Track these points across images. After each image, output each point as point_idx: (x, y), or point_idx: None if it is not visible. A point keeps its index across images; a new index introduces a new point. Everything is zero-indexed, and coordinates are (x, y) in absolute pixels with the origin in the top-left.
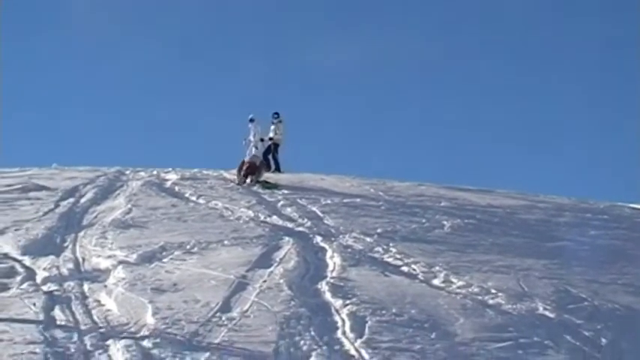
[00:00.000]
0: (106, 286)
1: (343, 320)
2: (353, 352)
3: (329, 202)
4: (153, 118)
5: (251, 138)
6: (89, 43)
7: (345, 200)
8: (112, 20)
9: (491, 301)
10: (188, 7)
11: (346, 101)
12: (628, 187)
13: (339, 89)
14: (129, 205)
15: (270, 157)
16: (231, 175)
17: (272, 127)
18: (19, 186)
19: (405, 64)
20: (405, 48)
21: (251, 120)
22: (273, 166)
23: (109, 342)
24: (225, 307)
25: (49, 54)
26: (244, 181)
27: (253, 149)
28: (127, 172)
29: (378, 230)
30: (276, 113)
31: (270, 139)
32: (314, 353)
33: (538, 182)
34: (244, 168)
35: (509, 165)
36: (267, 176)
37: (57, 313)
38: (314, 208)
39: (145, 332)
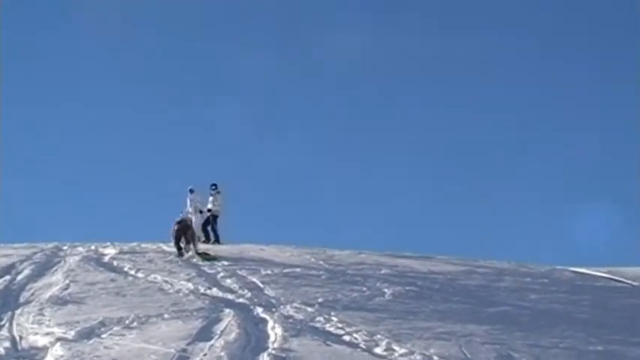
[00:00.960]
0: None
1: None
2: None
3: (269, 272)
4: (91, 190)
5: (189, 209)
6: None
7: (285, 270)
8: None
9: None
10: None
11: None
12: (568, 250)
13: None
14: (66, 281)
15: (209, 228)
16: (170, 247)
17: (210, 198)
18: None
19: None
20: None
21: (190, 191)
22: (212, 238)
23: None
24: None
25: None
26: (180, 249)
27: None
28: (65, 247)
29: (319, 300)
30: (214, 185)
31: (209, 210)
32: None
33: (478, 246)
34: (175, 232)
35: (448, 229)
36: (207, 248)
37: None
38: (254, 279)
39: None
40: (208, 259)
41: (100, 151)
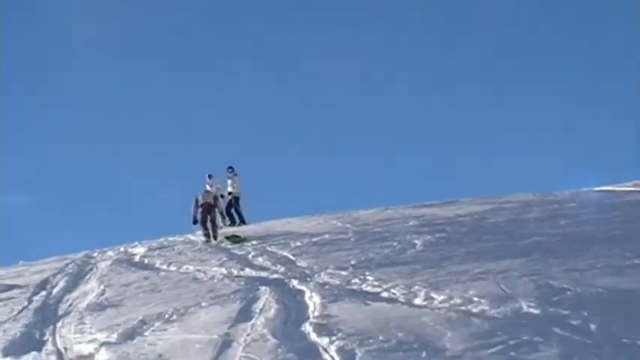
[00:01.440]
0: None
1: (332, 357)
2: None
3: (298, 244)
4: (116, 191)
5: (209, 189)
6: None
7: (314, 239)
8: None
9: (475, 310)
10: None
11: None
12: (592, 171)
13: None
14: (102, 287)
15: (232, 211)
16: (197, 236)
17: (229, 181)
18: None
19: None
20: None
21: (209, 176)
22: (237, 220)
23: None
24: None
25: None
26: (208, 232)
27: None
28: (95, 254)
29: (352, 262)
30: (231, 167)
31: (230, 193)
32: None
33: (502, 182)
34: (201, 210)
35: (471, 170)
36: (234, 230)
37: None
38: (285, 253)
39: None
40: (238, 242)
41: (111, 158)
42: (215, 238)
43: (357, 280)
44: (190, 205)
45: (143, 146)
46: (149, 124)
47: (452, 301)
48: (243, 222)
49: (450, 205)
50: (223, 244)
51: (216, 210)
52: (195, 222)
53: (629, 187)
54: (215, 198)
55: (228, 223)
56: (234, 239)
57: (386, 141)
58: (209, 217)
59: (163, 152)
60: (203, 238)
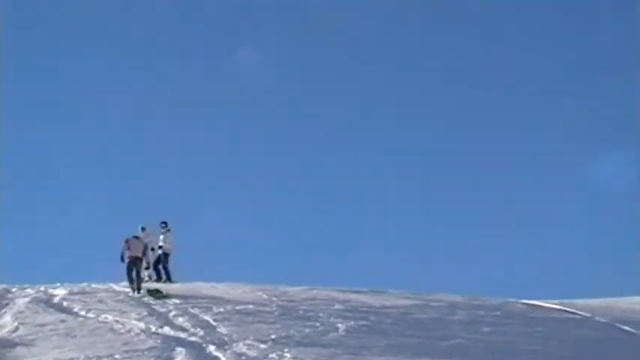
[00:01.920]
0: None
1: None
2: None
3: (221, 309)
4: (42, 229)
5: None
6: None
7: (237, 307)
8: None
9: None
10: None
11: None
12: (520, 283)
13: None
14: (15, 323)
15: (160, 266)
16: (120, 287)
17: (161, 236)
18: None
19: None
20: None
21: (142, 229)
22: (164, 276)
23: None
24: None
25: None
26: (132, 282)
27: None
28: (14, 289)
29: (272, 336)
30: (164, 222)
31: (160, 247)
32: None
33: (431, 280)
34: (128, 261)
35: (401, 263)
36: (158, 286)
37: None
38: (206, 317)
39: None
40: (160, 298)
41: (47, 189)
42: (138, 290)
43: (274, 356)
44: (121, 245)
45: (83, 182)
46: (86, 161)
47: None
48: (169, 279)
49: (377, 295)
50: (145, 299)
51: (143, 262)
52: (122, 260)
53: (555, 304)
54: (145, 249)
55: (154, 277)
56: (156, 294)
57: (322, 217)
58: (135, 269)
59: (102, 190)
60: (127, 289)
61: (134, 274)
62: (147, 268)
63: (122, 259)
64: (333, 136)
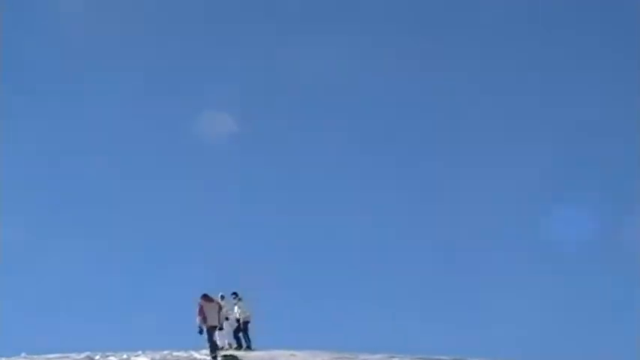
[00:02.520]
0: None
1: None
2: None
3: None
4: (121, 294)
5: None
6: None
7: None
8: None
9: None
10: None
11: None
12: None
13: None
14: None
15: (240, 335)
16: (201, 355)
17: (235, 307)
18: None
19: None
20: None
21: (222, 297)
22: (244, 344)
23: None
24: None
25: None
26: (216, 348)
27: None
28: (97, 357)
29: None
30: (235, 293)
31: (237, 320)
32: None
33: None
34: (207, 329)
35: (481, 331)
36: (236, 354)
37: None
38: None
39: None
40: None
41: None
42: (216, 358)
43: None
44: (195, 311)
45: (155, 252)
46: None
47: None
48: (249, 347)
49: None
50: None
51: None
52: (200, 332)
53: None
54: (219, 313)
55: (235, 346)
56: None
57: (395, 288)
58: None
59: (174, 261)
60: (208, 358)
61: (214, 338)
62: (220, 329)
63: (200, 331)
64: None
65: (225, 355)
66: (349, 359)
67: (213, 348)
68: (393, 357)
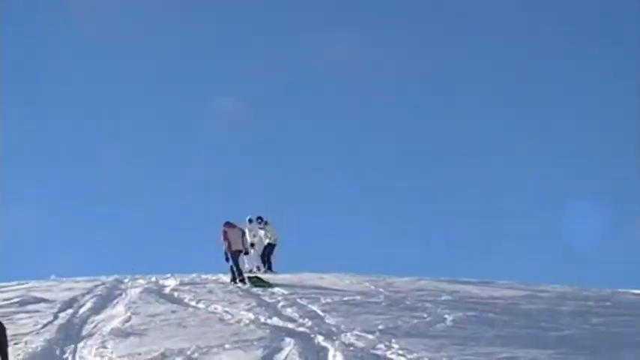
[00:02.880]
0: None
1: None
2: None
3: (329, 300)
4: (150, 222)
5: (247, 238)
6: None
7: (345, 298)
8: None
9: None
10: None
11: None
12: (630, 273)
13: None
14: (128, 313)
15: (264, 257)
16: (229, 277)
17: (261, 232)
18: (17, 299)
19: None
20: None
21: (249, 220)
22: (265, 267)
23: None
24: None
25: None
26: (242, 276)
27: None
28: (126, 280)
29: (380, 327)
30: (260, 217)
31: (268, 244)
32: None
33: (539, 271)
34: (232, 254)
35: (509, 254)
36: (262, 276)
37: None
38: (314, 308)
39: None
40: (261, 286)
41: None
42: (244, 281)
43: (382, 346)
44: (219, 237)
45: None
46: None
47: None
48: (270, 269)
49: (485, 286)
50: (254, 289)
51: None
52: (227, 259)
53: None
54: (243, 237)
55: (263, 269)
56: (258, 282)
57: (428, 211)
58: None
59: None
60: (238, 282)
61: (240, 262)
62: (246, 253)
63: (227, 258)
64: None
65: (250, 277)
66: (376, 282)
67: (239, 272)
68: (421, 279)
